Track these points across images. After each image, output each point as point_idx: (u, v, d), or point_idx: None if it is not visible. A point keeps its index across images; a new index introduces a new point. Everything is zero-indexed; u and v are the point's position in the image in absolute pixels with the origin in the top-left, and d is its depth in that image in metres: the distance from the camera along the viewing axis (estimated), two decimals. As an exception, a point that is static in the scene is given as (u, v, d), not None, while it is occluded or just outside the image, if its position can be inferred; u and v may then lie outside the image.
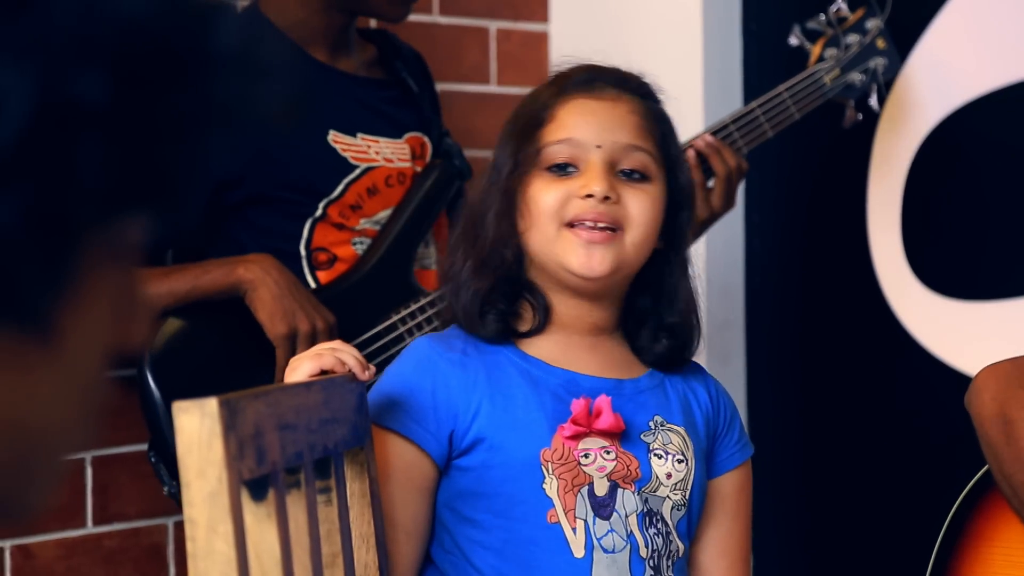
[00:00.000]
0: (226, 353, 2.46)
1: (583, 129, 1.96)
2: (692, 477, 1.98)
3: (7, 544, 2.69)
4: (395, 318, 2.50)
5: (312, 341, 2.37)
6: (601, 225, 1.93)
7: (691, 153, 2.60)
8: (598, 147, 1.95)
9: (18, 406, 0.73)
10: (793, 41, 2.81)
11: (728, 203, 2.61)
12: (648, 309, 2.00)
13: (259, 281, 2.40)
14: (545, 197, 1.94)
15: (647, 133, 1.98)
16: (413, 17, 3.05)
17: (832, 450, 3.14)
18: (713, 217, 2.62)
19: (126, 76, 0.71)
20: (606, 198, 1.93)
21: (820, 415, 3.16)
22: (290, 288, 2.41)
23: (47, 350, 0.73)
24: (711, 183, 2.61)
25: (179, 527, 2.86)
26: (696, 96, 3.14)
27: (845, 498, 3.12)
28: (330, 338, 2.39)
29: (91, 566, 2.78)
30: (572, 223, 1.93)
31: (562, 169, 1.96)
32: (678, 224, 2.01)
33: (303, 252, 2.53)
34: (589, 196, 1.93)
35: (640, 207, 1.95)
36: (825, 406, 3.16)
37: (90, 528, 2.77)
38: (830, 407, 3.15)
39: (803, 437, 3.16)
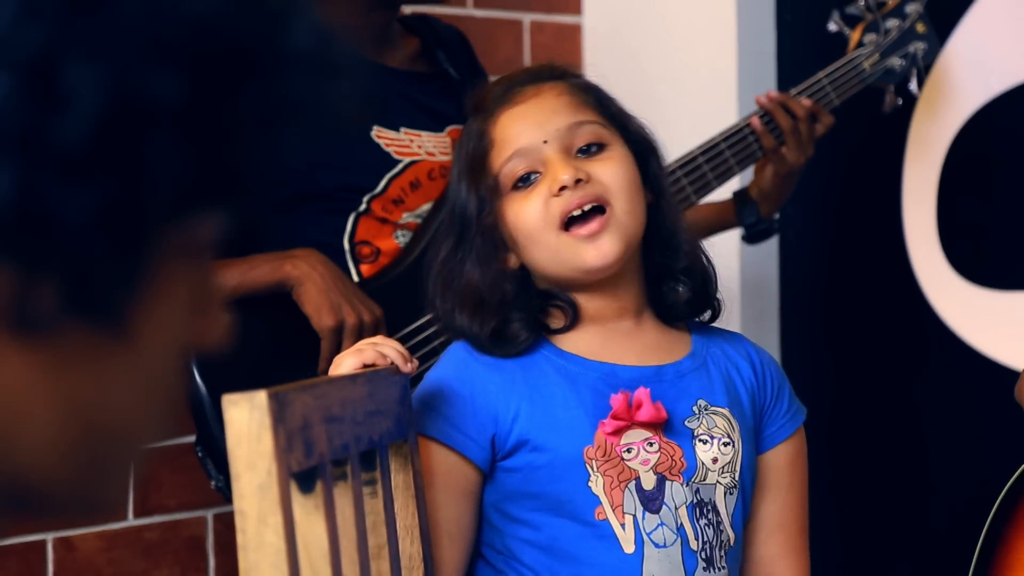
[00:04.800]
0: (271, 348, 2.47)
1: (522, 135, 1.95)
2: (740, 459, 1.96)
3: (49, 537, 2.71)
4: None
5: (359, 334, 2.37)
6: (588, 207, 1.92)
7: (755, 121, 2.61)
8: (545, 142, 1.94)
9: (92, 400, 0.74)
10: (832, 27, 2.81)
11: (803, 153, 2.62)
12: (659, 263, 1.99)
13: (305, 276, 2.40)
14: (526, 214, 1.93)
15: (582, 105, 1.98)
16: (447, 10, 3.06)
17: (867, 441, 3.14)
18: (792, 172, 2.63)
19: (198, 74, 0.72)
20: (577, 181, 1.92)
21: (855, 405, 3.16)
22: (336, 282, 2.41)
23: (120, 345, 0.74)
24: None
25: (219, 519, 2.88)
26: (730, 86, 3.13)
27: (881, 490, 3.12)
28: (377, 331, 2.40)
29: (132, 558, 2.79)
30: (563, 223, 1.92)
31: (526, 181, 1.95)
32: (651, 172, 1.99)
33: (347, 246, 2.54)
34: (562, 189, 1.92)
35: (611, 173, 1.94)
36: (860, 396, 3.15)
37: (131, 521, 2.79)
38: (865, 397, 3.15)
39: (838, 427, 3.15)
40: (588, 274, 1.93)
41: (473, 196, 1.96)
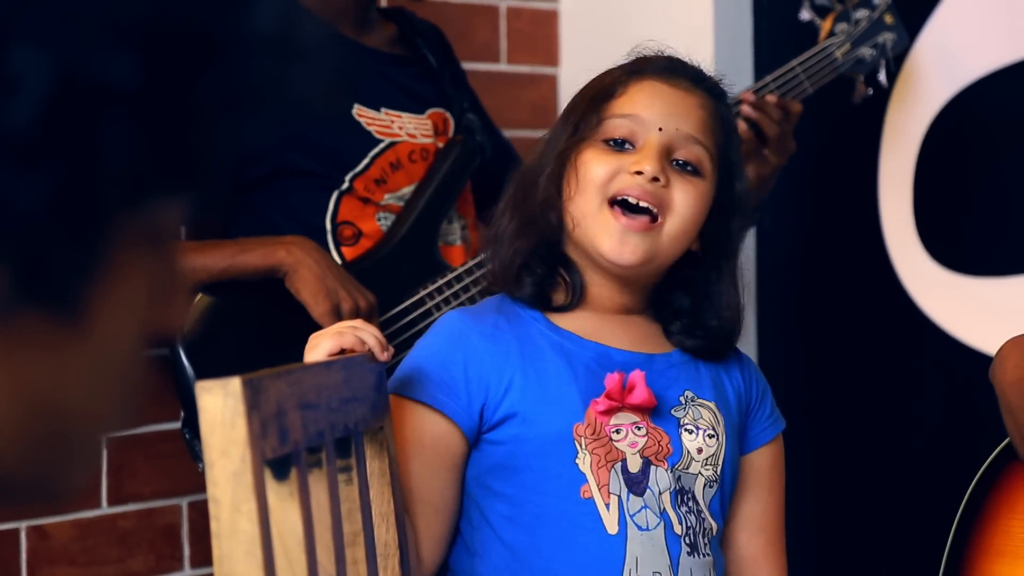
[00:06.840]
0: (258, 330, 2.46)
1: (649, 109, 1.97)
2: (723, 452, 1.97)
3: (23, 525, 2.69)
4: (422, 293, 2.51)
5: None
6: (643, 205, 1.92)
7: (741, 124, 2.61)
8: (660, 129, 1.95)
9: (49, 386, 0.73)
10: (804, 16, 2.83)
11: (785, 152, 2.64)
12: (686, 309, 2.00)
13: (300, 263, 2.40)
14: (596, 167, 1.94)
15: (710, 131, 1.98)
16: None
17: (844, 428, 3.15)
18: (775, 171, 2.65)
19: (156, 57, 0.70)
20: (655, 179, 1.92)
21: (831, 392, 3.16)
22: (331, 268, 2.42)
23: (76, 331, 0.73)
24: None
25: (194, 508, 2.87)
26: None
27: (859, 477, 3.12)
28: (371, 318, 2.40)
29: (106, 547, 2.78)
30: (614, 199, 1.93)
31: (619, 144, 1.96)
32: (728, 230, 2.00)
33: (328, 226, 2.53)
34: (639, 173, 1.92)
35: (685, 198, 1.94)
36: (837, 385, 3.16)
37: (105, 509, 2.78)
38: (842, 386, 3.15)
39: (816, 416, 3.16)
40: (598, 257, 1.94)
41: (573, 123, 1.98)
